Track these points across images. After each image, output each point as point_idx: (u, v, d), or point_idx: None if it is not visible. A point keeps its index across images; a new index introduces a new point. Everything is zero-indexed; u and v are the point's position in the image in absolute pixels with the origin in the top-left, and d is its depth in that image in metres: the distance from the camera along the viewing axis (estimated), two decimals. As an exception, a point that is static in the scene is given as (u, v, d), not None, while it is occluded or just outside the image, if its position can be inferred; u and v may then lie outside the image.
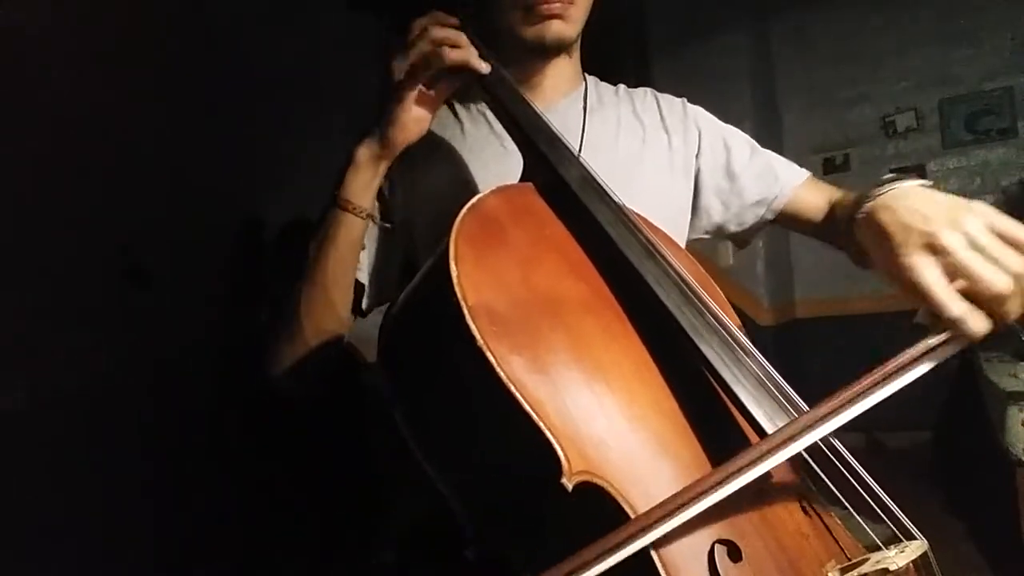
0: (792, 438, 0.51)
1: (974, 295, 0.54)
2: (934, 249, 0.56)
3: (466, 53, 0.73)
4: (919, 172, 3.70)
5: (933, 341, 0.54)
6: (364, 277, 0.83)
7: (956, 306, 0.54)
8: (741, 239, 1.03)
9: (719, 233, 1.01)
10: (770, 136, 3.92)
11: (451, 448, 0.57)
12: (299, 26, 2.97)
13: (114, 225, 2.52)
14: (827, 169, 3.92)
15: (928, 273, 0.56)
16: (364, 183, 0.77)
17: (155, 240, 2.69)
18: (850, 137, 3.88)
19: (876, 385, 0.52)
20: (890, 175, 0.72)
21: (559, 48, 0.84)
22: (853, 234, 0.70)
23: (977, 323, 0.54)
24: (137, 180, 2.54)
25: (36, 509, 2.03)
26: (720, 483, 0.49)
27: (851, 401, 0.52)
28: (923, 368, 0.53)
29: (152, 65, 2.62)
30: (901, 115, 3.74)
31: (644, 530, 0.47)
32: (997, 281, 0.54)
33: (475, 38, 0.76)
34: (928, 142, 3.71)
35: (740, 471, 0.50)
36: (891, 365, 0.53)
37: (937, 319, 0.54)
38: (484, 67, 0.74)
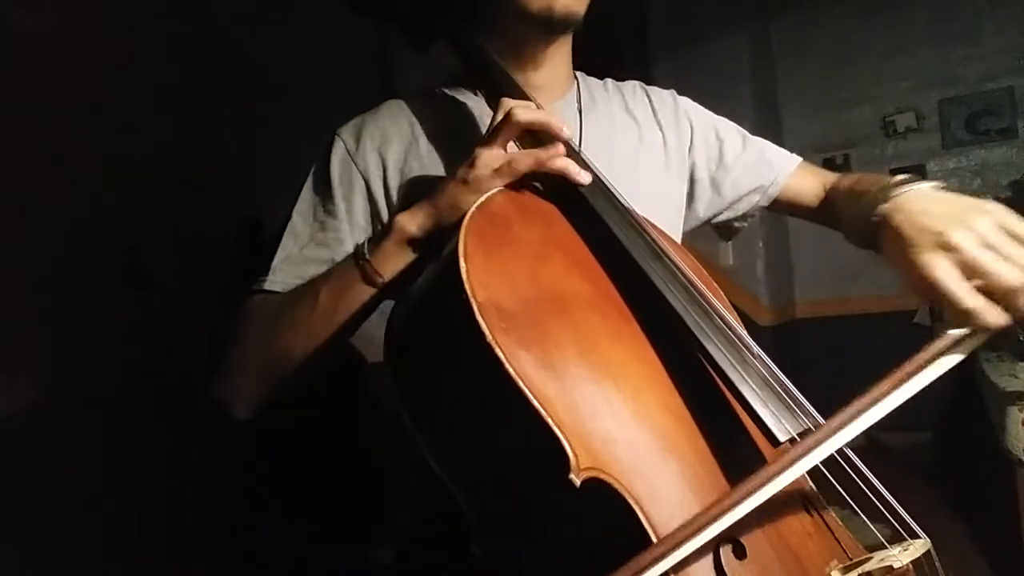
0: (817, 446, 0.52)
1: (988, 291, 0.56)
2: (946, 247, 0.58)
3: (570, 164, 0.67)
4: (919, 172, 3.70)
5: (957, 333, 0.54)
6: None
7: (970, 299, 0.55)
8: (733, 227, 1.04)
9: (713, 221, 1.02)
10: (770, 136, 3.86)
11: (459, 445, 0.57)
12: (299, 26, 2.97)
13: (115, 225, 2.52)
14: (827, 169, 3.91)
15: (940, 269, 0.57)
16: (400, 257, 0.70)
17: (155, 240, 2.69)
18: (850, 137, 3.87)
19: (901, 382, 0.52)
20: (903, 176, 0.73)
21: (565, 24, 0.79)
22: (871, 233, 0.71)
23: (993, 315, 0.55)
24: (137, 180, 2.54)
25: (36, 506, 2.03)
26: (741, 500, 0.50)
27: (873, 402, 0.52)
28: (947, 363, 0.54)
29: (152, 65, 2.62)
30: (901, 115, 3.74)
31: (670, 551, 0.48)
32: (1008, 275, 0.55)
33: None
34: (928, 142, 3.70)
35: (763, 484, 0.50)
36: (913, 363, 0.53)
37: (962, 317, 0.55)
38: (585, 178, 0.68)
